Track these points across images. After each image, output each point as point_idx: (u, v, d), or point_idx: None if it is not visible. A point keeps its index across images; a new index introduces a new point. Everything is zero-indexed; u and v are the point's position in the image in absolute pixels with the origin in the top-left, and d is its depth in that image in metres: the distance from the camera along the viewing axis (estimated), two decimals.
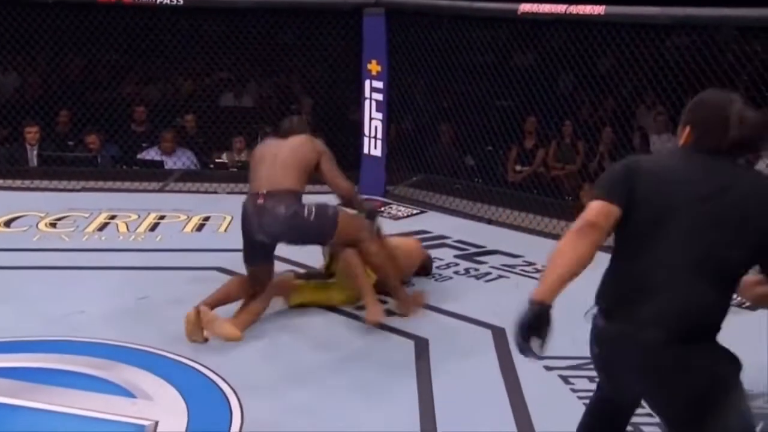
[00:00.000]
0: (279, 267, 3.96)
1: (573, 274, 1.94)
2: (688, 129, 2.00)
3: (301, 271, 4.18)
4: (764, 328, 3.76)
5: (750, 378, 3.15)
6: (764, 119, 1.99)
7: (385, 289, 3.85)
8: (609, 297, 2.03)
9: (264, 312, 3.79)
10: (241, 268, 4.05)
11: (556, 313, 2.16)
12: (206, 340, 3.52)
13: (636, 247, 1.96)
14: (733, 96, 2.02)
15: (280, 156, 3.69)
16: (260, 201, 3.58)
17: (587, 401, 2.84)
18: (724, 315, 2.00)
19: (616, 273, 2.02)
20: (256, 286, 3.74)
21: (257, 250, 3.70)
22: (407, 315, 3.82)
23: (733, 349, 3.60)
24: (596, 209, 1.96)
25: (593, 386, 2.97)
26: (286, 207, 3.55)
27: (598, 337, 2.04)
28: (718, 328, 2.00)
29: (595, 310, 2.07)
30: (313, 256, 4.19)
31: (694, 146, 1.99)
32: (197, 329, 3.51)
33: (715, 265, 1.91)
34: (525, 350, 1.97)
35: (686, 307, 1.92)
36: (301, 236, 3.70)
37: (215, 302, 3.62)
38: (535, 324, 1.94)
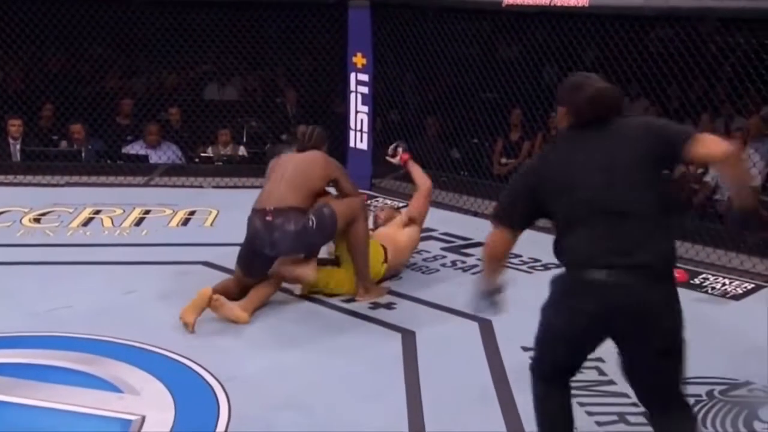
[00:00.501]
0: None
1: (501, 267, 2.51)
2: (564, 110, 2.35)
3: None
4: (746, 319, 3.80)
5: (734, 367, 3.21)
6: (615, 88, 2.35)
7: (355, 268, 3.92)
8: (579, 258, 2.27)
9: (272, 295, 3.82)
10: (228, 263, 4.07)
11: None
12: (193, 330, 3.52)
13: (577, 219, 2.26)
14: (589, 74, 2.43)
15: (288, 174, 3.78)
16: (269, 218, 3.66)
17: (572, 392, 2.88)
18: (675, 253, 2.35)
19: (572, 240, 2.28)
20: (244, 287, 3.78)
21: (260, 264, 3.75)
22: (361, 301, 3.91)
23: (716, 338, 3.64)
24: (492, 241, 2.42)
25: (578, 376, 2.99)
26: (294, 224, 3.66)
27: (591, 289, 2.23)
28: None
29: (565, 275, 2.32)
30: None
31: (575, 123, 2.33)
32: (198, 309, 3.54)
33: (649, 204, 2.22)
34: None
35: (655, 249, 2.22)
36: (310, 246, 3.80)
37: (220, 291, 3.68)
38: (493, 299, 2.48)
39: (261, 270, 3.78)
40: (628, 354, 2.31)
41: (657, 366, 2.28)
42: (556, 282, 2.35)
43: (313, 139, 3.97)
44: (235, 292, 3.76)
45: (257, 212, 3.73)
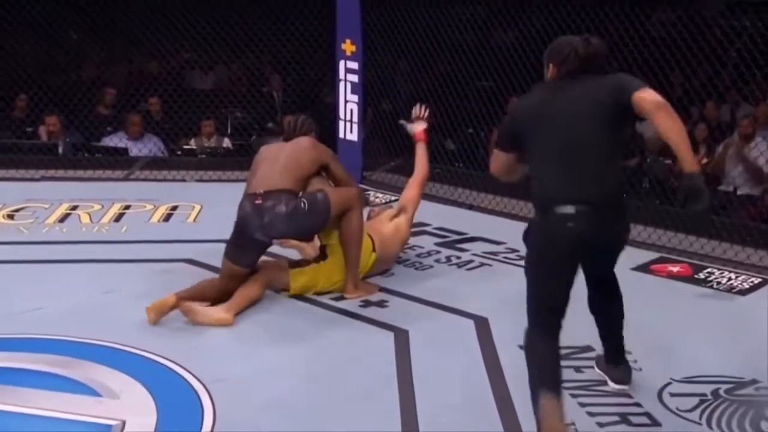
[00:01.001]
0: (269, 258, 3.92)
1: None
2: (551, 66, 2.71)
3: (294, 259, 4.09)
4: (753, 314, 3.74)
5: (740, 365, 3.13)
6: (601, 43, 2.70)
7: (346, 260, 3.86)
8: (548, 194, 2.59)
9: (259, 299, 3.75)
10: (212, 260, 4.00)
11: None
12: (154, 323, 3.48)
13: (542, 158, 2.63)
14: (575, 36, 2.75)
15: (280, 160, 3.81)
16: (259, 201, 3.67)
17: (572, 392, 2.90)
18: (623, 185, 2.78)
19: (541, 178, 2.63)
20: (229, 286, 3.69)
21: (251, 251, 3.73)
22: (350, 298, 3.85)
23: (722, 335, 3.56)
24: (493, 161, 2.86)
25: (579, 376, 3.04)
26: (285, 205, 3.67)
27: (563, 222, 2.56)
28: None
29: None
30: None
31: (558, 75, 2.69)
32: (159, 312, 3.50)
33: (599, 147, 2.57)
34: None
35: (608, 184, 2.58)
36: (302, 230, 3.78)
37: (190, 297, 3.59)
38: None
39: (251, 258, 3.74)
40: (592, 264, 2.75)
41: (611, 260, 2.79)
42: (531, 227, 2.66)
43: (298, 128, 3.96)
44: (213, 294, 3.67)
45: (248, 196, 3.73)
